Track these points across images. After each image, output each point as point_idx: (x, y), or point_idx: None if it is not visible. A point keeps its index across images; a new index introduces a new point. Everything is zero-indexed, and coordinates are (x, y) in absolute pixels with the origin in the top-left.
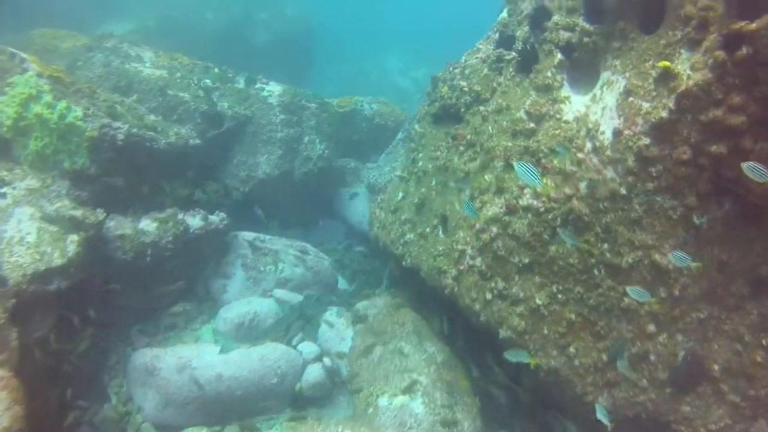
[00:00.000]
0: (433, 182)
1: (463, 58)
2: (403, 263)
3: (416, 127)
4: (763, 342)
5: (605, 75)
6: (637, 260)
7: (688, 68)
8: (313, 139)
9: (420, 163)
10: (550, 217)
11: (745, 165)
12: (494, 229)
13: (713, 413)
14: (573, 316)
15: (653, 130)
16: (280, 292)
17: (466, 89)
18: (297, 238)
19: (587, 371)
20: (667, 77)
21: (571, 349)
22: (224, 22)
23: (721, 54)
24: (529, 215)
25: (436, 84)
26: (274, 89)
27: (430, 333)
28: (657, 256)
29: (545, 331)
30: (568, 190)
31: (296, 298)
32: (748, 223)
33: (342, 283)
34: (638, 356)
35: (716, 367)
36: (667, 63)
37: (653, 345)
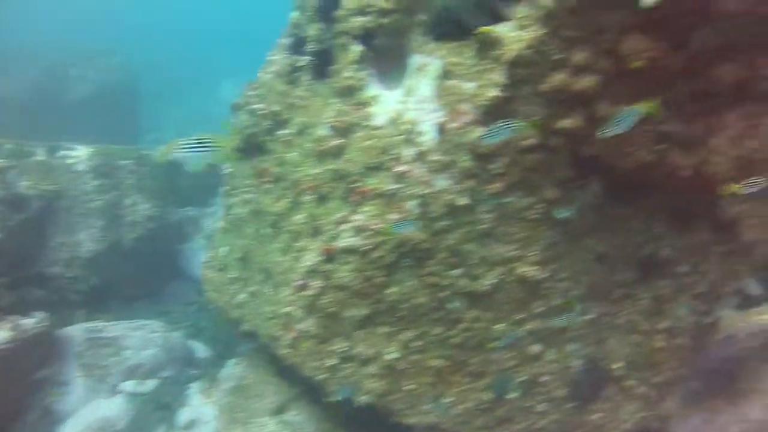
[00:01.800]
0: (251, 231)
1: (259, 74)
2: (243, 328)
3: (226, 167)
4: (660, 325)
5: (416, 59)
6: (499, 280)
7: (514, 28)
8: (135, 200)
9: (235, 209)
10: (377, 255)
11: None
12: (316, 283)
13: (624, 411)
14: (438, 362)
15: (486, 116)
16: (129, 385)
17: (264, 112)
18: (145, 311)
19: (473, 416)
20: (489, 45)
21: (447, 399)
22: (28, 86)
23: (550, 1)
24: (354, 258)
25: (236, 112)
26: (80, 153)
27: (294, 397)
28: (523, 269)
29: (410, 387)
30: (394, 216)
31: (150, 385)
32: (621, 203)
33: (202, 350)
34: (528, 382)
35: (618, 366)
36: (485, 27)
37: (542, 365)
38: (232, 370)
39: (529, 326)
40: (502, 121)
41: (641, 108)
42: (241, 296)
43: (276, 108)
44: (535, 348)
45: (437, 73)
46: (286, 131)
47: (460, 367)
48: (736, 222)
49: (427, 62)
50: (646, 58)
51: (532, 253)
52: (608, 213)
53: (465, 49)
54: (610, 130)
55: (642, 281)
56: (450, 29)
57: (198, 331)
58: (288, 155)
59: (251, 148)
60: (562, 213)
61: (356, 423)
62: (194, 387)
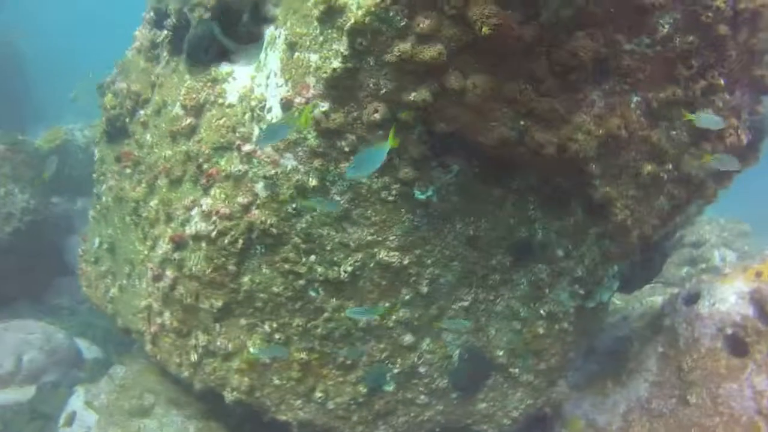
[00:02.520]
0: (116, 219)
1: (125, 53)
2: (118, 325)
3: (96, 152)
4: (541, 311)
5: (268, 31)
6: (358, 266)
7: None
8: (10, 189)
9: (103, 198)
10: (227, 241)
11: None
12: (169, 273)
13: (512, 399)
14: (304, 355)
15: (330, 90)
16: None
17: (125, 92)
18: (27, 311)
19: (349, 411)
20: (331, 13)
21: (318, 394)
22: None
23: None
24: (203, 245)
25: (103, 93)
26: None
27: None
28: (384, 254)
29: (277, 382)
30: (242, 199)
31: (26, 394)
32: (490, 184)
33: (92, 351)
34: (405, 374)
35: (500, 353)
36: None
37: (417, 356)
38: (118, 370)
39: (397, 315)
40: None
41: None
42: (113, 291)
43: (136, 87)
44: (407, 338)
45: (284, 44)
46: (145, 111)
47: (329, 360)
48: (608, 203)
49: (277, 34)
50: (493, 25)
51: (392, 238)
52: (476, 194)
53: (311, 18)
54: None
55: (518, 266)
56: None
57: (88, 329)
58: (144, 137)
59: (116, 131)
60: (422, 194)
61: (238, 421)
62: (78, 391)
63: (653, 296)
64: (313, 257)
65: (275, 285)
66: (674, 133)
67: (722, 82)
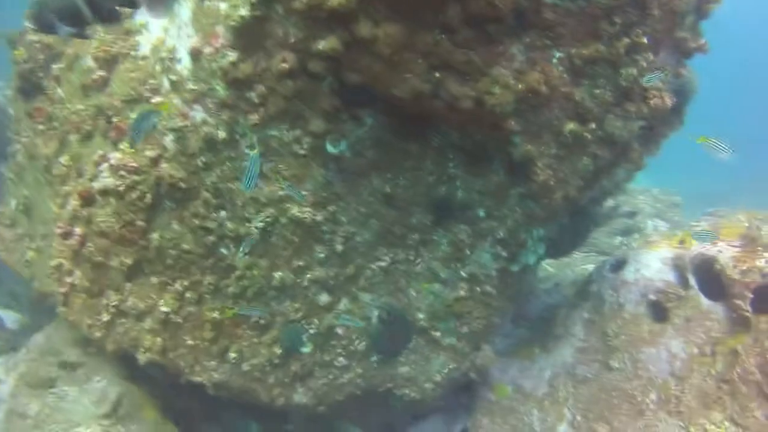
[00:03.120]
0: (30, 179)
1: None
2: (36, 288)
3: (10, 110)
4: (462, 273)
5: None
6: (270, 221)
7: None
8: None
9: (18, 157)
10: (135, 195)
11: None
12: (78, 230)
13: (434, 363)
14: (217, 314)
15: (239, 39)
16: None
17: (38, 45)
18: None
19: (265, 372)
20: None
21: (232, 354)
22: None
23: None
24: (111, 200)
25: (14, 46)
26: None
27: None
28: (296, 210)
29: (191, 342)
30: (150, 152)
31: None
32: (405, 138)
33: (15, 319)
34: (322, 335)
35: (421, 316)
36: None
37: (335, 315)
38: (38, 338)
39: (312, 274)
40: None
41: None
42: (29, 253)
43: (49, 40)
44: (323, 297)
45: None
46: (57, 66)
47: (242, 320)
48: (529, 162)
49: None
50: None
51: (304, 193)
52: (393, 150)
53: None
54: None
55: (438, 225)
56: None
57: (13, 298)
58: (57, 91)
59: (30, 87)
60: (334, 148)
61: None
62: None
63: (586, 264)
64: (223, 213)
65: (185, 241)
66: (597, 91)
67: (646, 40)
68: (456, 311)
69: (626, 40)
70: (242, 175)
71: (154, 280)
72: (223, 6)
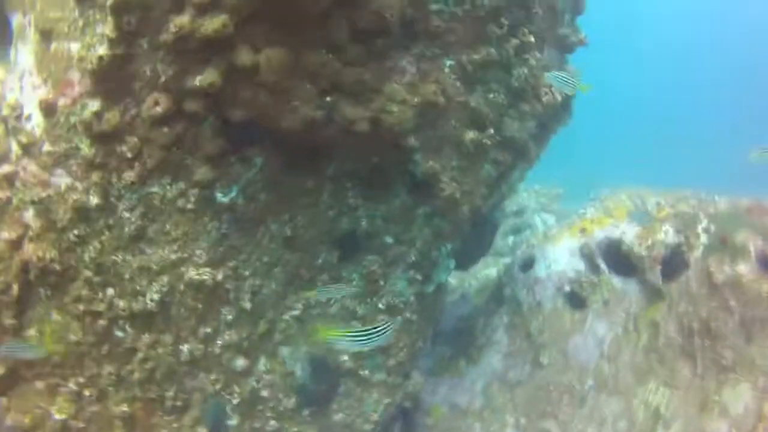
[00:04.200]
0: None
1: None
2: None
3: None
4: (380, 305)
5: (14, 20)
6: (167, 290)
7: None
8: None
9: None
10: None
11: None
12: None
13: (368, 403)
14: (125, 407)
15: (99, 84)
16: None
17: None
18: None
19: None
20: None
21: None
22: None
23: None
24: None
25: None
26: None
27: None
28: (193, 272)
29: None
30: (8, 234)
31: None
32: (298, 174)
33: None
34: (246, 402)
35: (346, 358)
36: None
37: (256, 379)
38: None
39: (222, 339)
40: None
41: None
42: None
43: None
44: (239, 362)
45: (36, 35)
46: None
47: (157, 406)
48: (432, 178)
49: (26, 22)
50: None
51: (199, 252)
52: (287, 189)
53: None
54: None
55: (347, 260)
56: None
57: None
58: None
59: None
60: (224, 196)
61: None
62: None
63: (486, 269)
64: (111, 290)
65: (72, 332)
66: (491, 96)
67: (533, 39)
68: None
69: (515, 41)
70: None
71: (39, 385)
72: (74, 47)
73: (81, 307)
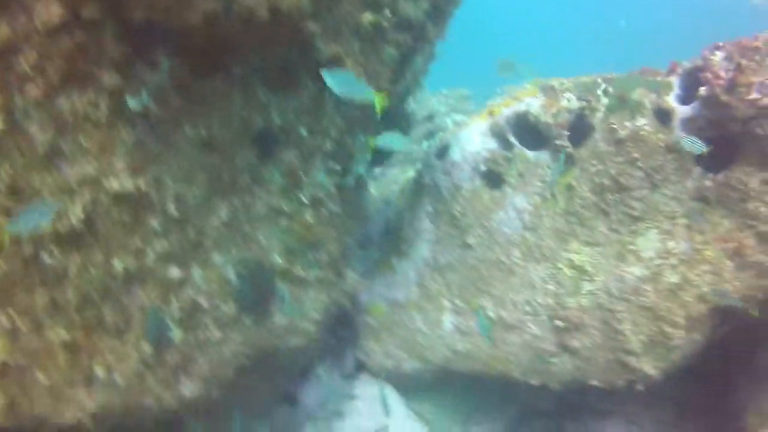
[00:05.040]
0: None
1: None
2: None
3: None
4: (303, 199)
5: None
6: (90, 206)
7: None
8: None
9: None
10: None
11: None
12: None
13: (307, 303)
14: (63, 335)
15: None
16: None
17: None
18: None
19: (141, 378)
20: None
21: (100, 372)
22: None
23: None
24: None
25: None
26: None
27: None
28: (115, 184)
29: (46, 381)
30: None
31: None
32: (208, 76)
33: None
34: (187, 313)
35: (278, 258)
36: None
37: (192, 290)
38: None
39: (153, 250)
40: None
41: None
42: None
43: None
44: (174, 272)
45: None
46: None
47: (97, 328)
48: (337, 63)
49: None
50: None
51: (118, 163)
52: (197, 92)
53: None
54: None
55: (266, 158)
56: None
57: None
58: None
59: None
60: (135, 103)
61: None
62: None
63: (405, 174)
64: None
65: None
66: None
67: None
68: (310, 241)
69: None
70: None
71: None
72: None
73: (3, 236)
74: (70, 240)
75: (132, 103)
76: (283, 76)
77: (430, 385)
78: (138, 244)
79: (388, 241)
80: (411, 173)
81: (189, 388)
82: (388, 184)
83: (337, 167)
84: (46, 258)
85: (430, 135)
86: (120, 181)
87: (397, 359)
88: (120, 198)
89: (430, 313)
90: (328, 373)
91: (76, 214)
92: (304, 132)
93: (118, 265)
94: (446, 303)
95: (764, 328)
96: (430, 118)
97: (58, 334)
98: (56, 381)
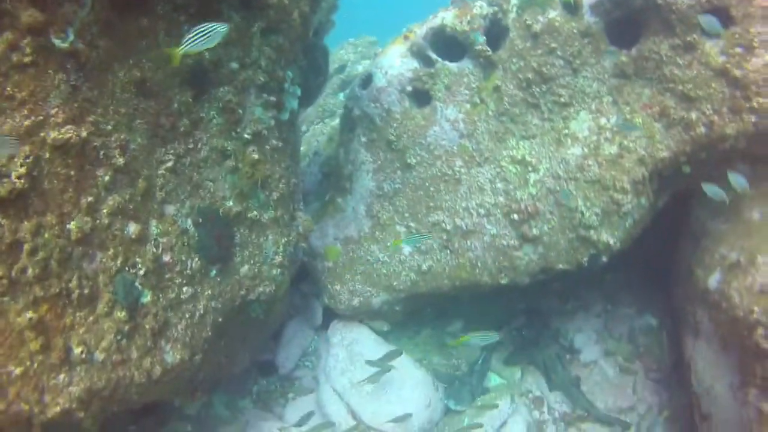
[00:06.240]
0: None
1: None
2: None
3: None
4: (245, 135)
5: None
6: (31, 163)
7: None
8: None
9: None
10: None
11: None
12: None
13: (267, 246)
14: (31, 314)
15: None
16: None
17: None
18: None
19: (122, 350)
20: None
21: (77, 350)
22: None
23: None
24: None
25: None
26: None
27: None
28: (54, 134)
29: (18, 369)
30: None
31: None
32: (132, 14)
33: None
34: (153, 273)
35: (231, 203)
36: None
37: (153, 246)
38: None
39: (107, 206)
40: None
41: None
42: None
43: None
44: (132, 228)
45: None
46: None
47: (64, 302)
48: None
49: None
50: None
51: (54, 111)
52: (123, 32)
53: None
54: None
55: (201, 99)
56: None
57: None
58: None
59: None
60: (62, 41)
61: None
62: None
63: (328, 125)
64: None
65: None
66: None
67: None
68: (258, 179)
69: None
70: None
71: None
72: None
73: None
74: (17, 203)
75: (59, 42)
76: (205, 11)
77: (402, 322)
78: (90, 200)
79: (326, 187)
80: (335, 121)
81: (171, 355)
82: (313, 136)
83: (272, 98)
84: None
85: (345, 85)
86: (60, 131)
87: (364, 295)
88: (63, 149)
89: (386, 241)
90: (299, 330)
91: (18, 172)
92: (235, 65)
93: (73, 226)
94: (400, 228)
95: (696, 192)
96: (341, 69)
97: (24, 314)
98: (31, 368)
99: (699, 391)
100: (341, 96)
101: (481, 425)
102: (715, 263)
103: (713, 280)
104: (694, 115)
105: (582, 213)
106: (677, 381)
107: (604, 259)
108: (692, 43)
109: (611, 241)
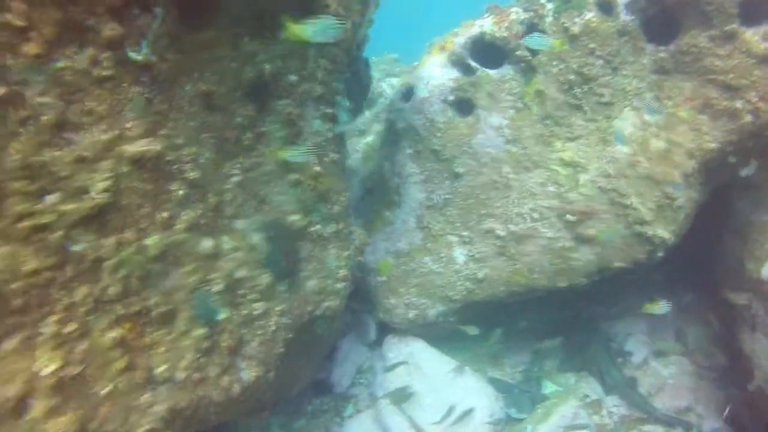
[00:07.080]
0: None
1: None
2: None
3: None
4: (307, 144)
5: None
6: (112, 179)
7: None
8: None
9: None
10: None
11: None
12: None
13: (330, 260)
14: (114, 333)
15: None
16: None
17: None
18: None
19: (202, 369)
20: None
21: (160, 369)
22: None
23: None
24: None
25: None
26: None
27: None
28: (132, 148)
29: (105, 389)
30: None
31: None
32: (196, 27)
33: None
34: (228, 289)
35: (296, 217)
36: None
37: (227, 261)
38: None
39: (182, 222)
40: None
41: None
42: None
43: None
44: (206, 244)
45: None
46: None
47: (144, 319)
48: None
49: None
50: None
51: (130, 125)
52: (189, 45)
53: None
54: None
55: (263, 111)
56: None
57: None
58: None
59: None
60: (137, 54)
61: None
62: None
63: (360, 142)
64: (51, 197)
65: (23, 260)
66: None
67: None
68: (320, 192)
69: None
70: None
71: (9, 344)
72: None
73: (20, 229)
74: (97, 220)
75: (133, 54)
76: (265, 24)
77: (456, 333)
78: (164, 215)
79: (372, 201)
80: (368, 138)
81: (246, 372)
82: (351, 152)
83: (329, 110)
84: (75, 247)
85: (370, 105)
86: (137, 144)
87: (419, 307)
88: (140, 163)
89: (439, 252)
90: (353, 347)
91: (98, 188)
92: (294, 77)
93: (151, 242)
94: (452, 237)
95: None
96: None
97: (108, 333)
98: (117, 388)
99: (765, 384)
100: (367, 114)
101: (587, 426)
102: (765, 254)
103: (766, 271)
104: (739, 104)
105: (636, 209)
106: (732, 378)
107: (660, 254)
108: (731, 32)
109: (666, 236)
